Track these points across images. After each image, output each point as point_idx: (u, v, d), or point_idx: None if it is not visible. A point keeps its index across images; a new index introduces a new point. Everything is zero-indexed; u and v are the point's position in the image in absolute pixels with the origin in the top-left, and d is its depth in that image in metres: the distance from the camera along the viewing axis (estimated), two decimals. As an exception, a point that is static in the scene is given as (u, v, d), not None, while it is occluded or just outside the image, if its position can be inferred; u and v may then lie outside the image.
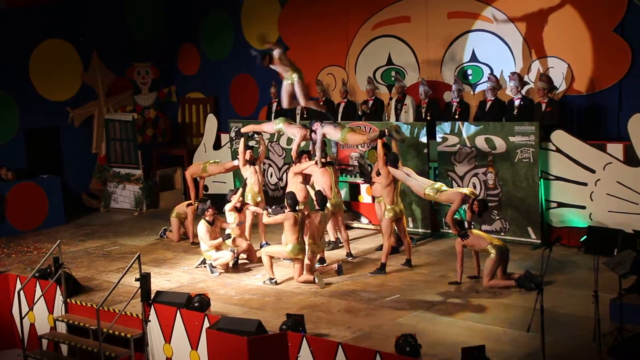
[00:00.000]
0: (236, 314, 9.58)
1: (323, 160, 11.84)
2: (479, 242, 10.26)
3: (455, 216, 10.68)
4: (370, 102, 14.28)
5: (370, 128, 12.83)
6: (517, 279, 10.03)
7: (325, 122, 12.01)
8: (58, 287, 10.41)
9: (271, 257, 11.00)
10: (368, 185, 13.28)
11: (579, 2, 12.46)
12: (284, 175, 14.49)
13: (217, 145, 16.22)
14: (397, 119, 13.81)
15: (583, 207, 11.69)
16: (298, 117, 15.02)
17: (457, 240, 10.37)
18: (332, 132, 11.89)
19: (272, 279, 10.95)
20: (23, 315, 10.63)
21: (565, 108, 12.53)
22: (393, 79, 14.41)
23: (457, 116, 13.06)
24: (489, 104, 12.81)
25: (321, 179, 11.77)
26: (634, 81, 12.02)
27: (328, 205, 11.54)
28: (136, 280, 9.45)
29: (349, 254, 12.02)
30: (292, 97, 12.16)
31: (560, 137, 11.84)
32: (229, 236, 11.73)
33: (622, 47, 12.03)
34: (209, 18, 17.89)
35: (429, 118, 13.30)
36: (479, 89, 13.62)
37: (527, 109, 12.39)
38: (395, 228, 11.37)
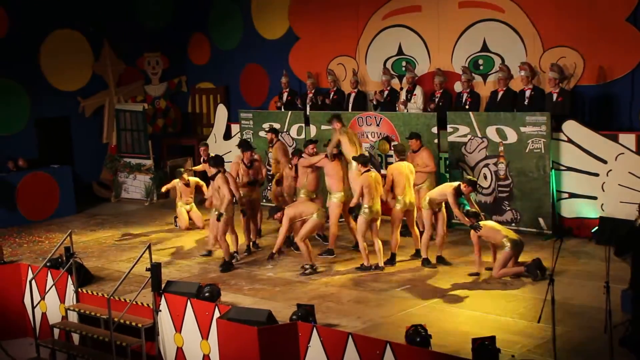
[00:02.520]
0: (246, 304, 9.59)
1: (335, 151, 11.79)
2: (494, 235, 10.21)
3: (467, 207, 10.65)
4: (386, 92, 14.24)
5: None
6: (528, 265, 10.01)
7: (343, 130, 11.92)
8: (69, 276, 10.45)
9: (308, 244, 10.98)
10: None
11: (591, -10, 12.39)
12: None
13: (228, 136, 16.22)
14: (407, 109, 13.78)
15: (595, 198, 11.64)
16: (308, 107, 15.00)
17: (471, 232, 10.34)
18: (346, 147, 11.72)
19: (313, 265, 10.95)
20: (35, 305, 10.69)
21: (577, 98, 12.45)
22: (404, 69, 14.36)
23: (467, 106, 13.01)
24: (500, 94, 12.76)
25: (332, 171, 11.75)
26: (646, 71, 11.95)
27: (339, 196, 11.59)
28: (147, 270, 9.49)
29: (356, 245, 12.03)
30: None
31: (571, 128, 11.78)
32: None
33: (635, 36, 11.93)
34: (219, 7, 17.87)
35: (441, 104, 13.26)
36: (490, 79, 13.56)
37: (538, 99, 12.32)
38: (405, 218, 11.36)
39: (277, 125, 14.40)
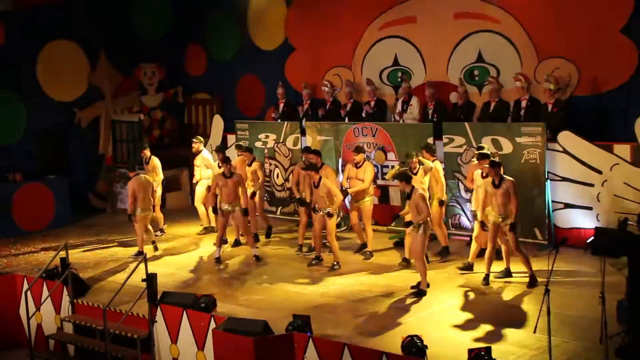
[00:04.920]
0: (242, 315, 9.57)
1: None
2: None
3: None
4: (373, 103, 14.29)
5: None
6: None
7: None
8: (65, 287, 10.42)
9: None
10: (374, 186, 13.30)
11: (586, 2, 12.43)
12: (290, 176, 14.46)
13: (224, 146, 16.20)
14: (403, 119, 13.81)
15: (590, 208, 11.67)
16: (304, 121, 15.01)
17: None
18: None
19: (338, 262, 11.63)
20: (30, 316, 10.64)
21: (572, 109, 12.48)
22: (399, 79, 14.41)
23: (462, 117, 13.05)
24: (492, 105, 12.81)
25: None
26: (641, 82, 11.99)
27: (371, 199, 12.21)
28: (143, 280, 9.47)
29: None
30: None
31: (566, 138, 11.82)
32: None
33: (630, 47, 11.99)
34: (216, 18, 17.91)
35: (435, 119, 13.30)
36: (485, 89, 13.59)
37: (534, 109, 12.36)
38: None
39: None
